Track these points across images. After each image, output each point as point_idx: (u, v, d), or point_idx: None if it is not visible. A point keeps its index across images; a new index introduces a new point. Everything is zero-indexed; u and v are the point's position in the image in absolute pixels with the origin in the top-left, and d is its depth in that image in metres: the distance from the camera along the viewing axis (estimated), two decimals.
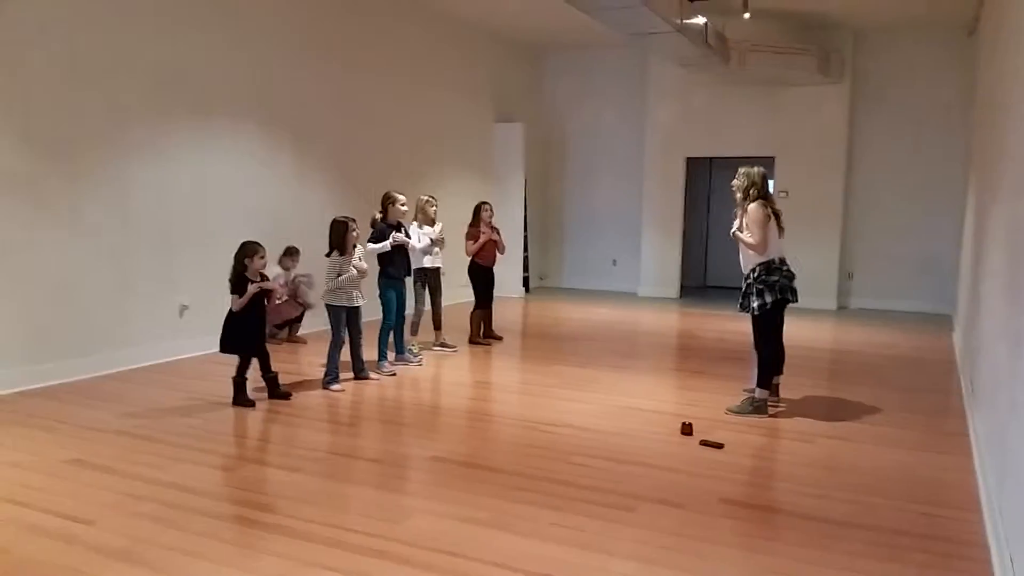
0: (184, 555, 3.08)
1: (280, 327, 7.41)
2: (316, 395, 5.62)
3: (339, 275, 5.68)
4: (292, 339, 7.49)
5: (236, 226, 6.84)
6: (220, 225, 6.95)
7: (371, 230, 6.37)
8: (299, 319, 7.54)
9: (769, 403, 5.34)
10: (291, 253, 7.43)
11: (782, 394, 5.58)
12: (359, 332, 5.93)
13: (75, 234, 5.83)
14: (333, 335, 5.79)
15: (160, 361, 6.45)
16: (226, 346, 5.32)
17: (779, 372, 5.50)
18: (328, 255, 5.75)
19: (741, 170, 5.39)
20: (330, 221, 5.82)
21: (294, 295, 7.43)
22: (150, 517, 3.43)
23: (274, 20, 7.52)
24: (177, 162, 6.61)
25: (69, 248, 5.80)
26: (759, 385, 5.32)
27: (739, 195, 5.35)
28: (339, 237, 5.70)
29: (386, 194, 6.44)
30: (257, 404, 5.30)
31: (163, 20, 6.41)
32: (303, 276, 7.42)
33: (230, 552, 3.12)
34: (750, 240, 5.21)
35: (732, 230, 5.37)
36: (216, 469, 4.08)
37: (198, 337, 6.78)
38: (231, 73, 7.06)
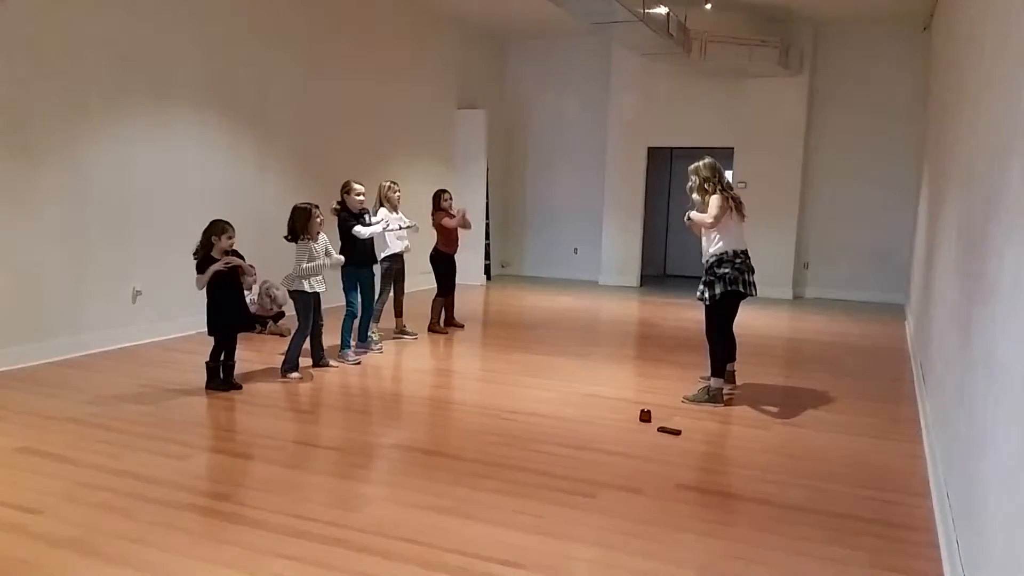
0: (138, 545, 3.02)
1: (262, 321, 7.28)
2: (275, 383, 5.55)
3: (309, 259, 5.59)
4: (273, 331, 7.26)
5: (193, 212, 6.69)
6: (177, 211, 6.81)
7: (335, 219, 6.28)
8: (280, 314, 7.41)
9: (725, 391, 5.41)
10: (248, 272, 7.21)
11: (737, 381, 5.65)
12: (321, 319, 5.86)
13: (26, 217, 5.66)
14: (301, 323, 5.69)
15: (113, 347, 6.31)
16: (212, 329, 5.23)
17: (732, 359, 5.55)
18: (290, 240, 5.64)
19: (689, 169, 5.33)
20: (291, 207, 5.72)
21: (270, 301, 7.30)
22: (103, 506, 3.36)
23: (237, 5, 7.35)
24: (135, 147, 6.45)
25: (19, 232, 5.62)
26: (713, 374, 5.36)
27: (696, 195, 5.29)
28: (302, 223, 5.60)
29: (345, 183, 6.37)
30: (212, 392, 5.21)
31: (124, 1, 6.24)
32: (266, 284, 7.30)
33: (186, 541, 3.07)
34: (705, 217, 5.14)
35: (686, 214, 5.37)
36: (172, 458, 4.00)
37: (152, 323, 6.66)
38: (192, 58, 6.90)
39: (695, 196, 5.32)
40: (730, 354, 5.50)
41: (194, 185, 7.00)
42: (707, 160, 5.31)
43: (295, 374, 5.65)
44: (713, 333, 5.37)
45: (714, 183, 5.22)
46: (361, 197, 6.33)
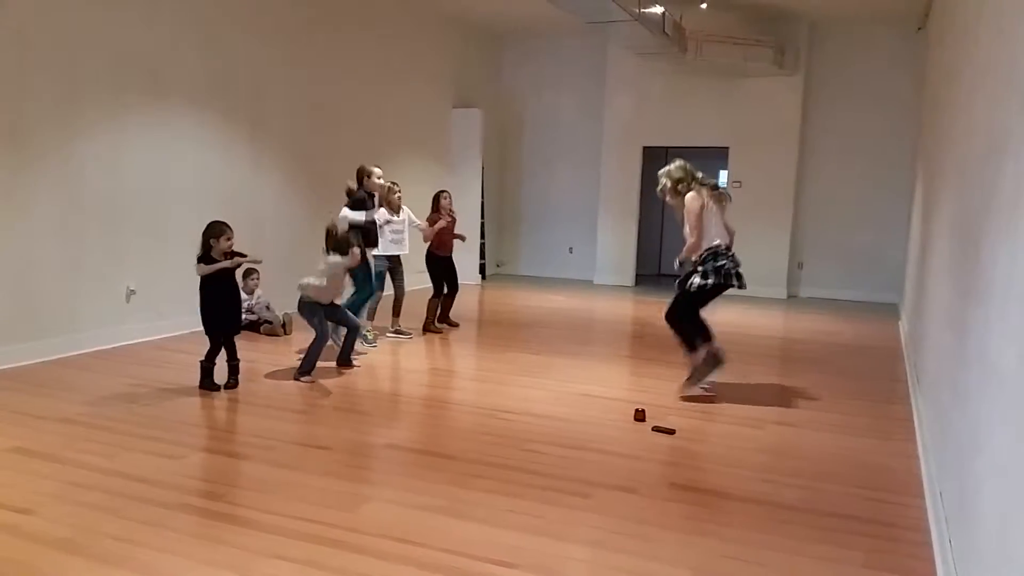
0: (132, 545, 3.01)
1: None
2: (269, 383, 5.54)
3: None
4: (267, 331, 7.14)
5: (188, 211, 6.70)
6: (171, 210, 6.79)
7: (346, 198, 6.41)
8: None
9: (704, 389, 5.37)
10: (250, 275, 7.10)
11: (730, 379, 5.61)
12: (353, 326, 5.89)
13: (19, 216, 5.63)
14: (316, 330, 5.66)
15: (106, 347, 6.28)
16: (208, 327, 5.22)
17: (709, 339, 5.39)
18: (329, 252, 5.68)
19: (659, 174, 5.34)
20: (337, 232, 5.73)
21: (259, 321, 7.21)
22: (95, 506, 3.35)
23: (232, 3, 7.33)
24: (129, 145, 6.42)
25: (13, 231, 5.59)
26: (690, 351, 5.35)
27: (669, 198, 5.32)
28: (341, 248, 5.62)
29: (361, 167, 6.47)
30: (205, 391, 5.19)
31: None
32: (266, 305, 7.24)
33: (180, 542, 3.06)
34: (691, 241, 5.23)
35: (676, 260, 5.38)
36: (165, 457, 3.99)
37: (145, 322, 6.64)
38: (188, 56, 6.87)
39: (668, 199, 5.35)
40: (706, 335, 5.39)
41: (189, 184, 6.98)
42: (677, 162, 5.34)
43: (307, 378, 5.61)
44: (677, 318, 5.34)
45: (687, 183, 5.26)
46: (380, 180, 6.50)
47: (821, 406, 5.41)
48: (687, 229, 5.26)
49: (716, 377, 5.30)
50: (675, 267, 5.41)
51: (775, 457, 4.36)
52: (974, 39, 3.99)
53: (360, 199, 6.40)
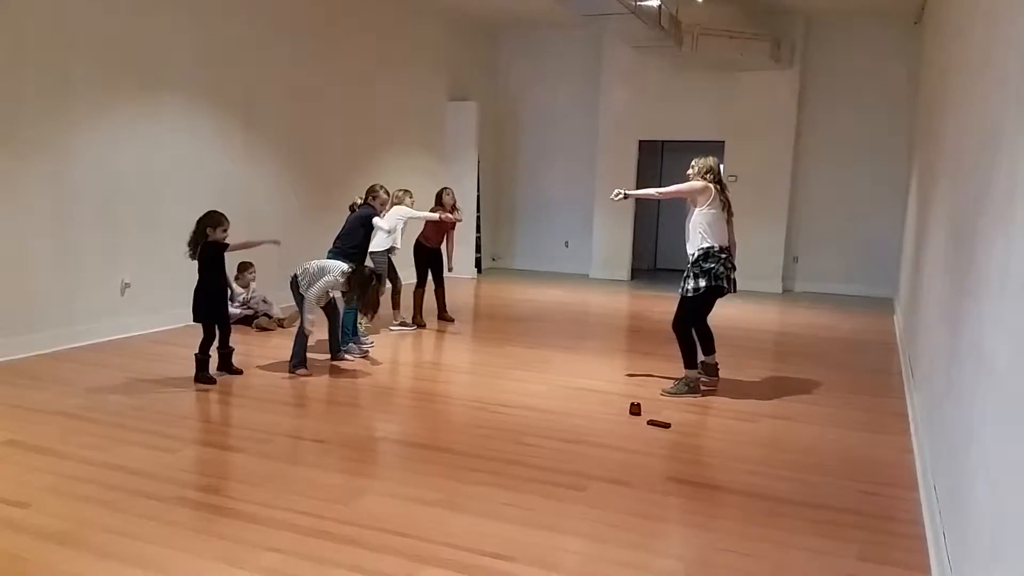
0: (128, 538, 3.01)
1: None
2: (265, 375, 5.53)
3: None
4: (261, 325, 7.13)
5: (181, 205, 6.66)
6: (165, 202, 6.76)
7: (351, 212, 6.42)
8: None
9: (703, 383, 5.42)
10: (247, 268, 7.12)
11: (725, 374, 5.64)
12: (335, 313, 5.89)
13: (13, 209, 5.61)
14: (301, 319, 5.67)
15: (101, 340, 6.27)
16: (196, 315, 5.27)
17: (711, 352, 5.55)
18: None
19: (700, 161, 5.39)
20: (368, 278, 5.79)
21: (255, 315, 7.17)
22: (91, 500, 3.35)
23: None
24: (123, 138, 6.40)
25: (6, 224, 5.57)
26: (686, 366, 5.39)
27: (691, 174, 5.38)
28: (359, 290, 5.69)
29: (372, 186, 6.48)
30: (200, 384, 5.18)
31: None
32: (262, 299, 7.22)
33: (175, 535, 3.06)
34: (656, 190, 5.52)
35: (623, 190, 5.51)
36: (160, 451, 3.99)
37: (140, 316, 6.63)
38: (182, 49, 6.84)
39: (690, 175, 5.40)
40: (708, 347, 5.52)
41: (183, 177, 6.95)
42: (716, 158, 5.40)
43: (303, 371, 5.61)
44: (682, 326, 5.39)
45: (714, 175, 5.31)
46: (386, 196, 6.52)
47: (816, 400, 5.42)
48: (691, 221, 5.30)
49: (698, 395, 5.32)
50: (614, 193, 5.52)
51: (770, 450, 4.37)
52: (968, 34, 3.99)
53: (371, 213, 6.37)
